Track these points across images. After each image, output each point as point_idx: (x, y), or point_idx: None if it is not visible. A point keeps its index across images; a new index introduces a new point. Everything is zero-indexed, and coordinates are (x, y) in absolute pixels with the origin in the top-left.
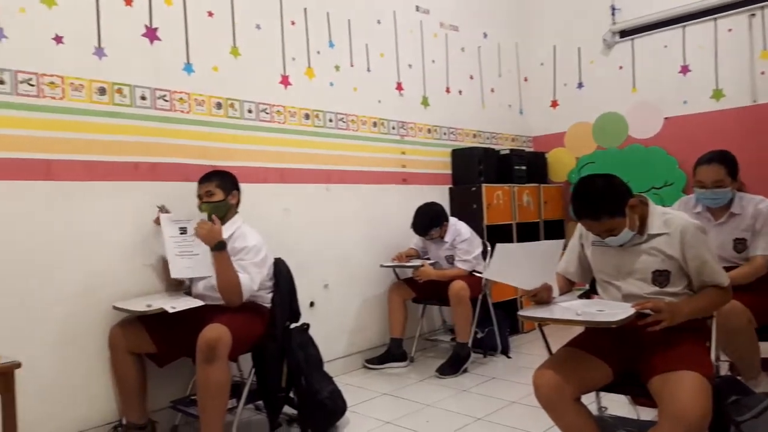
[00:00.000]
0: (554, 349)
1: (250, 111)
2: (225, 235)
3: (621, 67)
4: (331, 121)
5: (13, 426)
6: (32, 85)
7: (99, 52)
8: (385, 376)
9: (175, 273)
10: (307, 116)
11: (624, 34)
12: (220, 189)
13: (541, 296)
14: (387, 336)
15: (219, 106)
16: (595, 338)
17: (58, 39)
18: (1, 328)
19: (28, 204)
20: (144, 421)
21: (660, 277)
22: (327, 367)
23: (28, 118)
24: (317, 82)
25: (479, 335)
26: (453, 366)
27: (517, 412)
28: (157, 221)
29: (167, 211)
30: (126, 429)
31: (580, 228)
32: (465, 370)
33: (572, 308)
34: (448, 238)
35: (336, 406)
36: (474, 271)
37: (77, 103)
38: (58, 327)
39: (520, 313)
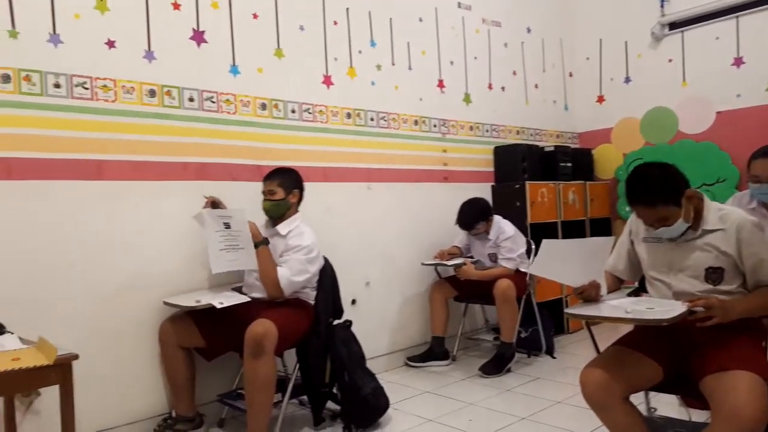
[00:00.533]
0: (602, 349)
1: (293, 111)
2: (282, 232)
3: (670, 60)
4: (372, 119)
5: (71, 416)
6: (86, 89)
7: (149, 55)
8: (426, 374)
9: (217, 268)
10: (348, 115)
11: (673, 26)
12: (281, 188)
13: (589, 293)
14: (429, 334)
15: (263, 106)
16: (644, 337)
17: (111, 43)
18: (58, 321)
19: (83, 203)
20: (193, 414)
21: (713, 275)
22: (369, 364)
23: (82, 120)
24: (359, 81)
25: (523, 335)
26: (497, 365)
27: (562, 412)
28: (205, 205)
29: (219, 204)
30: (175, 421)
31: (630, 224)
32: (509, 370)
33: (621, 306)
34: (491, 235)
35: (379, 403)
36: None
37: (128, 105)
38: (112, 321)
39: (568, 311)
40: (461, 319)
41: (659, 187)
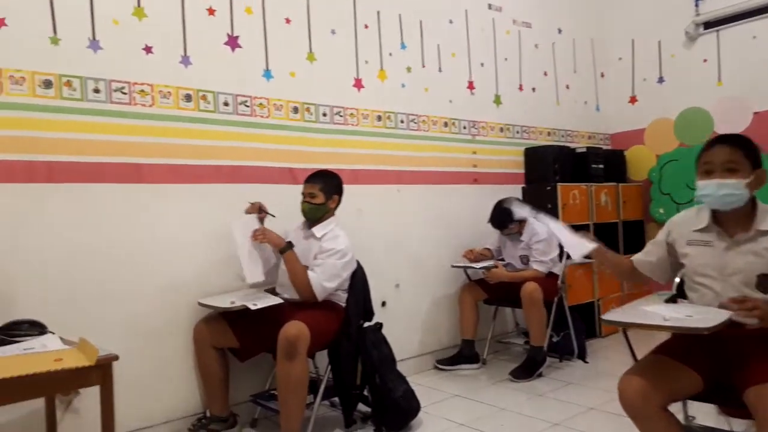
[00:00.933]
0: (638, 356)
1: (324, 114)
2: (318, 234)
3: (705, 60)
4: (402, 122)
5: (111, 415)
6: (125, 93)
7: (185, 60)
8: (456, 377)
9: (251, 278)
10: (379, 118)
11: (708, 25)
12: (322, 192)
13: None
14: (458, 337)
15: (296, 110)
16: (684, 345)
17: (148, 49)
18: (96, 321)
19: (122, 205)
20: (226, 414)
21: (766, 282)
22: (398, 367)
23: (120, 125)
24: (389, 83)
25: (555, 339)
26: (527, 370)
27: (596, 419)
28: (249, 210)
29: (266, 211)
30: (209, 421)
31: (670, 225)
32: (540, 375)
33: (659, 313)
34: (524, 237)
35: (410, 406)
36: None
37: (165, 110)
38: (147, 321)
39: (605, 317)
40: (491, 322)
41: (747, 139)
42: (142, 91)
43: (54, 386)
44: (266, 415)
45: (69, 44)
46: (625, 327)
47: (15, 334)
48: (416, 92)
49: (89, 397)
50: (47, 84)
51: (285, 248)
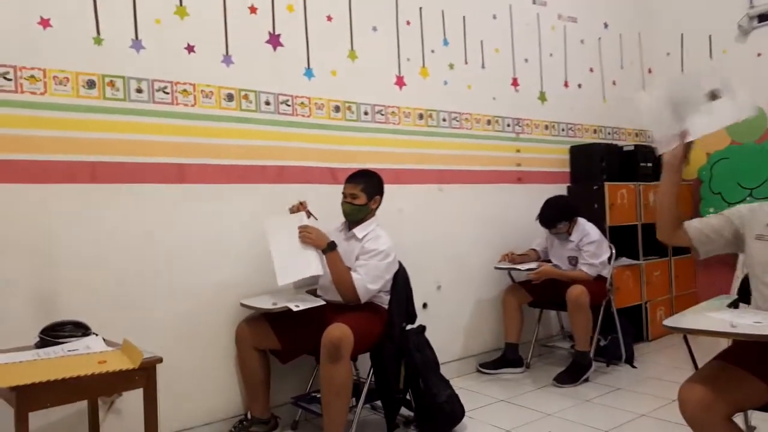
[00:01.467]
0: (699, 362)
1: (366, 113)
2: (359, 235)
3: (759, 55)
4: (444, 120)
5: (154, 418)
6: (167, 93)
7: (227, 59)
8: (500, 381)
9: (282, 280)
10: (421, 116)
11: (763, 18)
12: (364, 193)
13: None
14: (501, 340)
15: (337, 109)
16: (749, 353)
17: (190, 48)
18: (139, 322)
19: (165, 205)
20: (267, 416)
21: None
22: (440, 370)
23: (163, 125)
24: (431, 81)
25: (602, 343)
26: (573, 375)
27: (646, 426)
28: (294, 209)
29: (309, 212)
30: (251, 423)
31: (743, 210)
32: (586, 380)
33: (726, 319)
34: (574, 237)
35: (454, 411)
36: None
37: (207, 110)
38: (189, 322)
39: (667, 323)
40: (535, 325)
41: None
42: (185, 90)
43: (97, 389)
44: (307, 417)
45: (112, 44)
46: (689, 334)
47: (59, 335)
48: (459, 90)
49: (132, 397)
50: (90, 84)
51: (328, 248)
